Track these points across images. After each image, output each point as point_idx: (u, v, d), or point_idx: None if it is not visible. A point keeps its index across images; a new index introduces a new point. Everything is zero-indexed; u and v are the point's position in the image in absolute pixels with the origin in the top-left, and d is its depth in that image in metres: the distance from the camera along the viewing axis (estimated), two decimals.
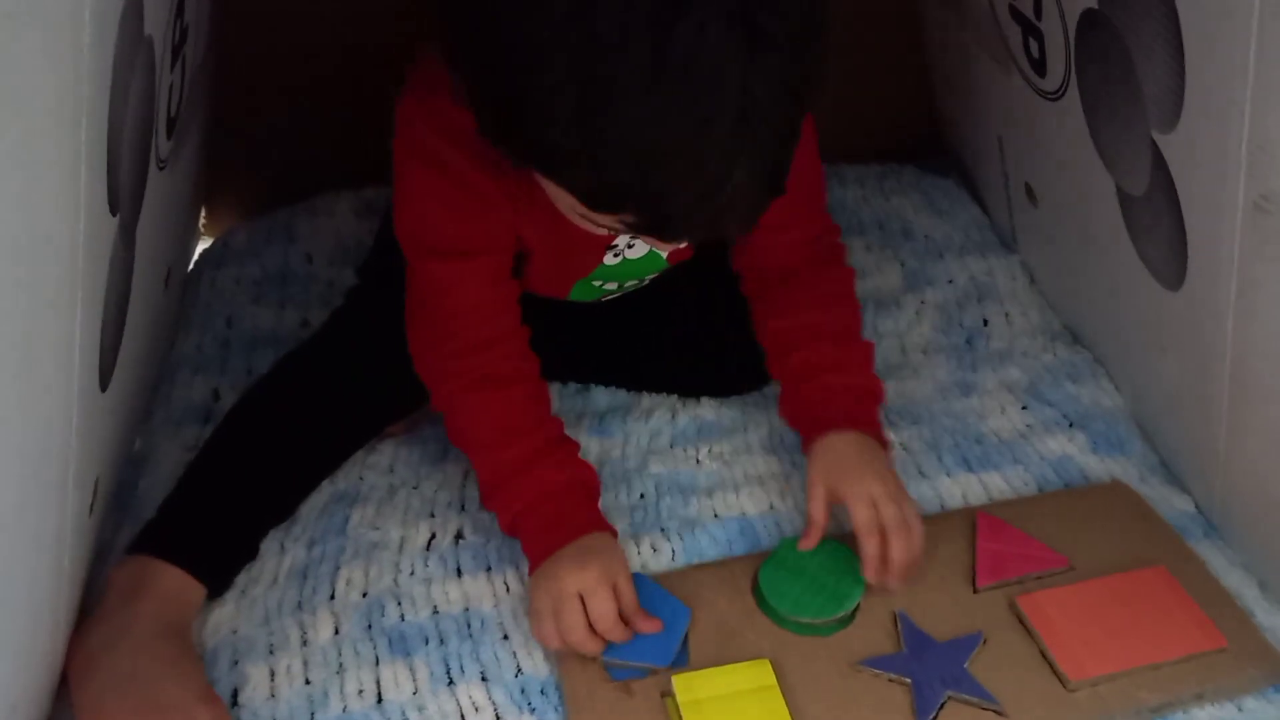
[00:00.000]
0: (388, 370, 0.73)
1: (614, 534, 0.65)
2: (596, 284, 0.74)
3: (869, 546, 0.62)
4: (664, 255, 0.72)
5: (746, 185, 0.51)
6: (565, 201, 0.57)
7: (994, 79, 0.88)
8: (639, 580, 0.63)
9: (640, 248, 0.71)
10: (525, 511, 0.64)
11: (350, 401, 0.74)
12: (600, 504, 0.72)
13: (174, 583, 0.63)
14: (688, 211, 0.52)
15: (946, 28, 0.97)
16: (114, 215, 0.55)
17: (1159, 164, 0.65)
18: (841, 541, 0.65)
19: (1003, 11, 0.81)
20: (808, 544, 0.65)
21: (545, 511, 0.64)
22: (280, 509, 0.71)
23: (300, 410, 0.72)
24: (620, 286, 0.75)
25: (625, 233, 0.57)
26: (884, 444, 0.68)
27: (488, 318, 0.67)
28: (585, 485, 0.67)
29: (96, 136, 0.50)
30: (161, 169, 0.69)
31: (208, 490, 0.68)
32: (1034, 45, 0.78)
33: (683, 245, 0.61)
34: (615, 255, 0.71)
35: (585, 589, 0.60)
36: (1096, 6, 0.67)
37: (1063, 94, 0.76)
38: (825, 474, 0.65)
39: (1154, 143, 0.65)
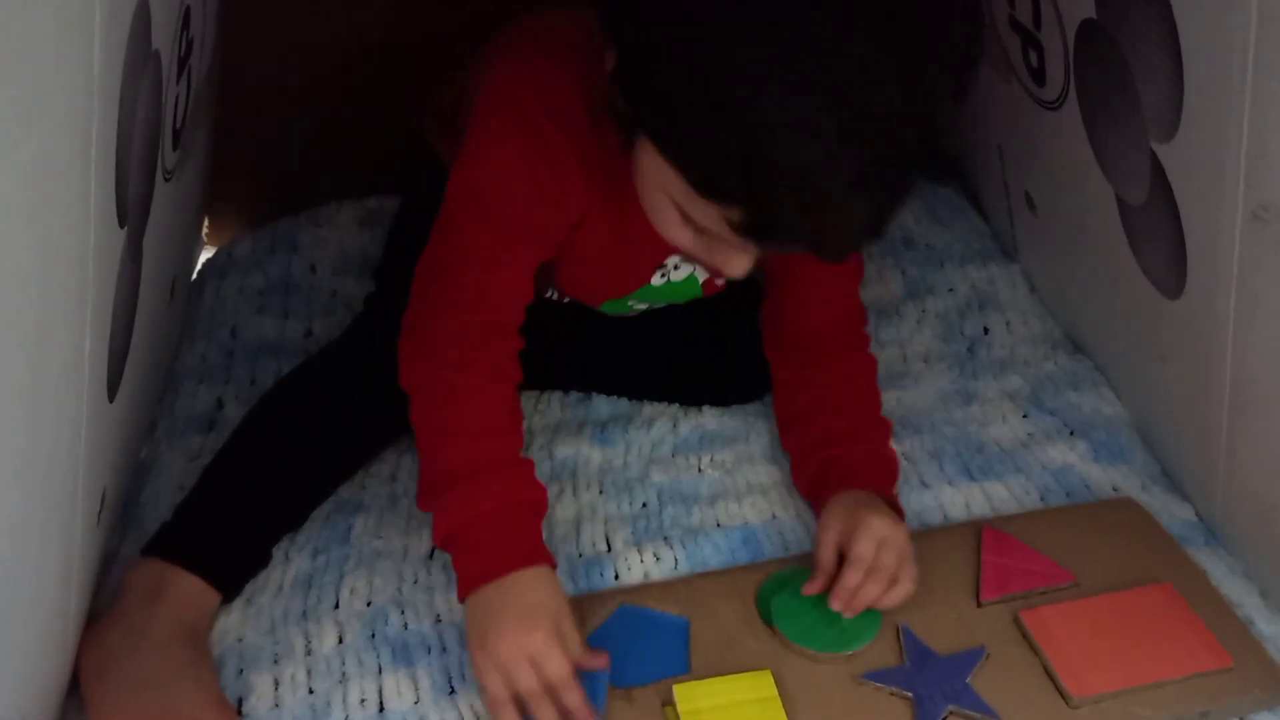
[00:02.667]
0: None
1: (553, 566, 0.61)
2: (631, 302, 0.74)
3: (849, 578, 0.62)
4: (701, 283, 0.73)
5: (858, 215, 0.53)
6: (664, 190, 0.56)
7: (994, 88, 0.88)
8: (627, 612, 0.63)
9: (684, 270, 0.71)
10: (469, 524, 0.61)
11: (369, 410, 0.73)
12: (603, 512, 0.73)
13: (191, 588, 0.63)
14: (793, 221, 0.52)
15: None
16: (122, 227, 0.56)
17: (1158, 173, 0.66)
18: None
19: (1002, 22, 0.81)
20: (812, 589, 0.63)
21: (488, 531, 0.60)
22: (296, 516, 0.71)
23: (319, 418, 0.72)
24: (650, 307, 0.76)
25: (710, 233, 0.57)
26: (900, 513, 0.67)
27: (515, 306, 0.64)
28: (534, 506, 0.63)
29: (105, 150, 0.50)
30: (167, 180, 0.69)
31: (225, 496, 0.69)
32: (1033, 55, 0.78)
33: (740, 272, 0.60)
34: (662, 276, 0.71)
35: (536, 653, 0.56)
36: (1095, 17, 0.68)
37: (1062, 103, 0.77)
38: (839, 518, 0.65)
39: (1153, 152, 0.65)
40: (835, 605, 0.62)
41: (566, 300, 0.78)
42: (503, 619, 0.57)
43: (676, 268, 0.71)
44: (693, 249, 0.59)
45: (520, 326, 0.65)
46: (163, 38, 0.60)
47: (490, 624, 0.58)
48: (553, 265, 0.69)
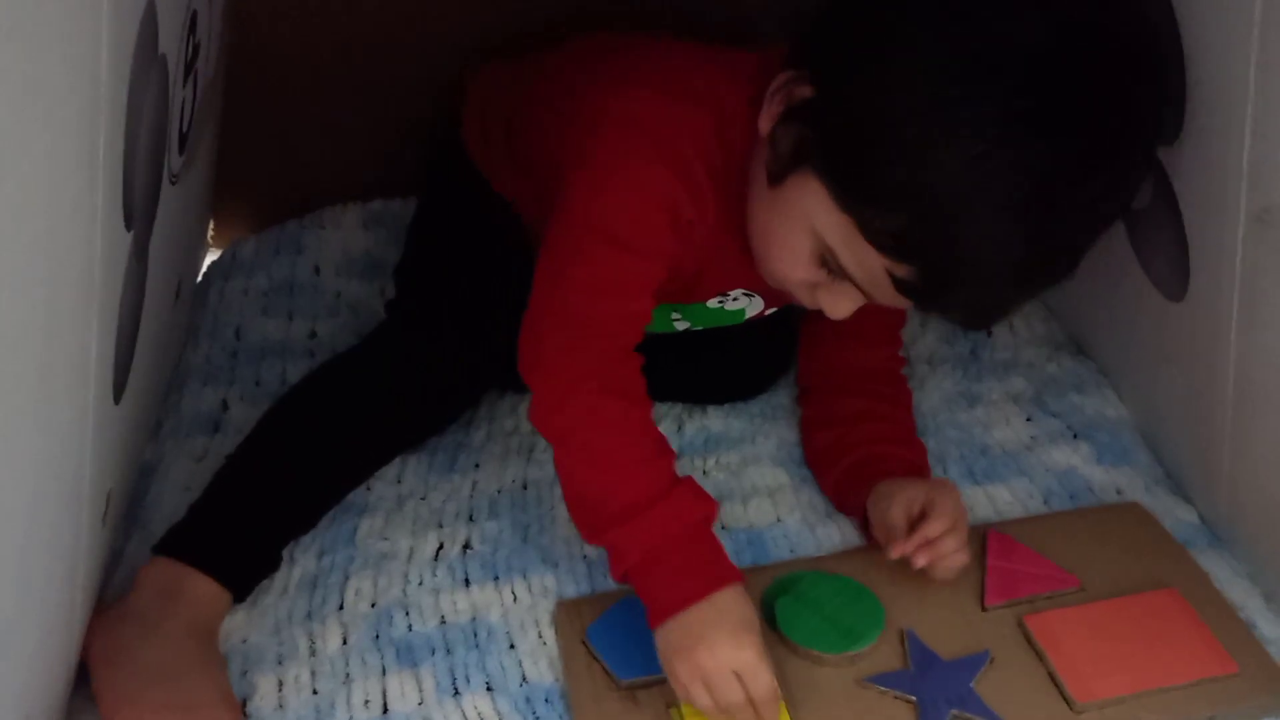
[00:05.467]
0: (425, 383, 0.73)
1: (743, 580, 0.60)
2: (676, 318, 0.74)
3: (932, 528, 0.63)
4: (748, 315, 0.73)
5: (1021, 295, 0.56)
6: (812, 231, 0.58)
7: None
8: (630, 603, 0.62)
9: (742, 302, 0.72)
10: (658, 553, 0.59)
11: (388, 415, 0.73)
12: None
13: (205, 590, 0.63)
14: (962, 293, 0.55)
15: None
16: (128, 230, 0.56)
17: (1161, 177, 0.66)
18: (863, 584, 0.65)
19: None
20: (895, 554, 0.64)
21: (680, 557, 0.59)
22: (309, 520, 0.71)
23: (339, 422, 0.72)
24: (688, 328, 0.76)
25: (840, 276, 0.59)
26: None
27: (638, 328, 0.63)
28: (711, 521, 0.61)
29: (113, 153, 0.50)
30: (173, 183, 0.69)
31: (242, 498, 0.69)
32: None
33: (844, 314, 0.61)
34: (719, 301, 0.72)
35: (745, 667, 0.56)
36: None
37: None
38: (908, 491, 0.66)
39: (1156, 157, 0.65)
40: (920, 560, 0.63)
41: None
42: (713, 636, 0.56)
43: (736, 299, 0.71)
44: (801, 285, 0.61)
45: (639, 340, 0.63)
46: (169, 42, 0.60)
47: (698, 641, 0.57)
48: None
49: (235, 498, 0.68)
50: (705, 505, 0.61)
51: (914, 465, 0.71)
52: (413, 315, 0.76)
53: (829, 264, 0.59)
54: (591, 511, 0.61)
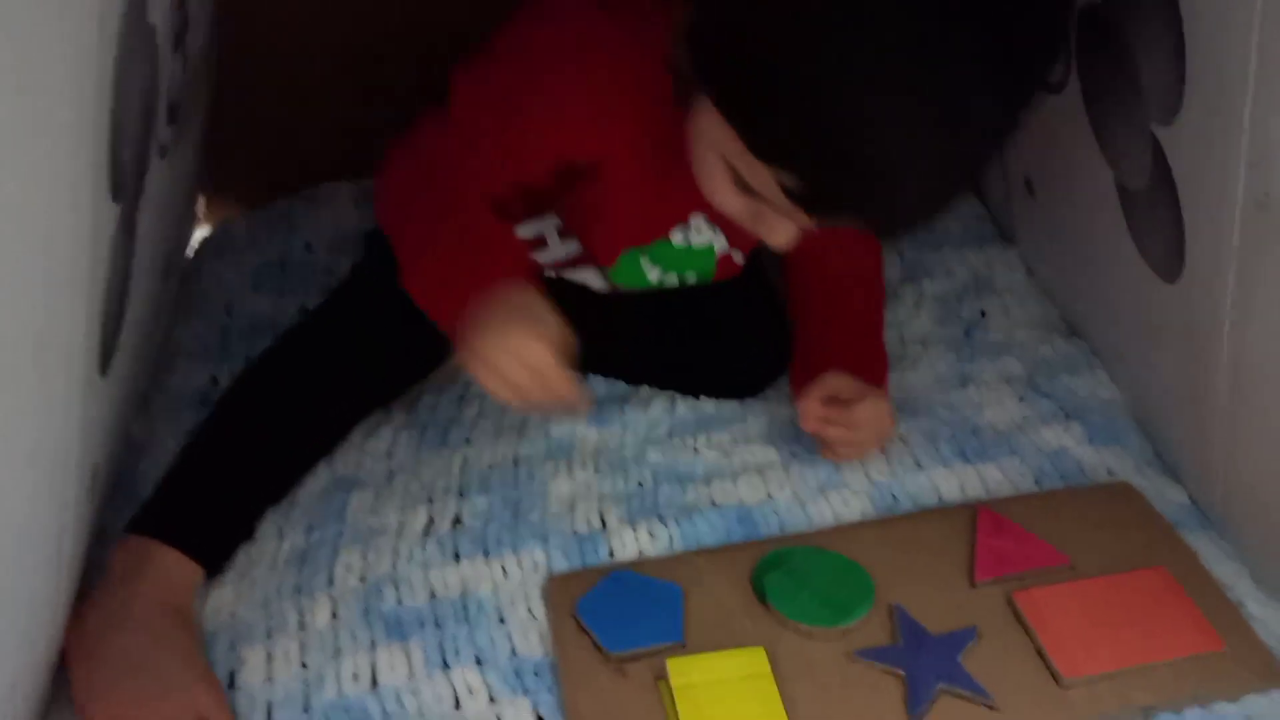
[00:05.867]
0: (387, 350, 0.73)
1: (534, 286, 0.61)
2: (645, 263, 0.73)
3: (841, 424, 0.70)
4: (718, 258, 0.73)
5: (920, 200, 0.54)
6: (718, 151, 0.56)
7: None
8: (620, 577, 0.64)
9: (705, 236, 0.71)
10: (451, 274, 0.62)
11: (347, 381, 0.74)
12: (598, 490, 0.73)
13: (172, 563, 0.63)
14: (852, 197, 0.53)
15: None
16: (116, 202, 0.55)
17: (1159, 158, 0.65)
18: (853, 559, 0.65)
19: None
20: (803, 409, 0.70)
21: (464, 266, 0.62)
22: (277, 489, 0.71)
23: (297, 390, 0.72)
24: (661, 281, 0.75)
25: (761, 199, 0.57)
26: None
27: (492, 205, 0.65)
28: (514, 250, 0.65)
29: (100, 124, 0.50)
30: (162, 156, 0.69)
31: (204, 470, 0.69)
32: None
33: (784, 241, 0.60)
34: (683, 236, 0.71)
35: (514, 347, 0.58)
36: (1098, 1, 0.67)
37: (1063, 87, 0.76)
38: (848, 381, 0.71)
39: (1154, 137, 0.65)
40: (807, 425, 0.70)
41: (567, 276, 0.78)
42: (485, 325, 0.59)
43: (700, 231, 0.71)
44: (739, 213, 0.60)
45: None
46: (158, 12, 0.59)
47: (476, 334, 0.59)
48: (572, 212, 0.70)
49: (200, 469, 0.68)
50: (507, 238, 0.65)
51: (871, 364, 0.75)
52: (367, 283, 0.76)
53: (746, 187, 0.57)
54: (399, 254, 0.64)
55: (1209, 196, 0.62)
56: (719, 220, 0.70)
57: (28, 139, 0.42)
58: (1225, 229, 0.60)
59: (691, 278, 0.76)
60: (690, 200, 0.64)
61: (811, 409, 0.69)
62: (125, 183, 0.57)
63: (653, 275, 0.75)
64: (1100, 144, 0.73)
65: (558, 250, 0.76)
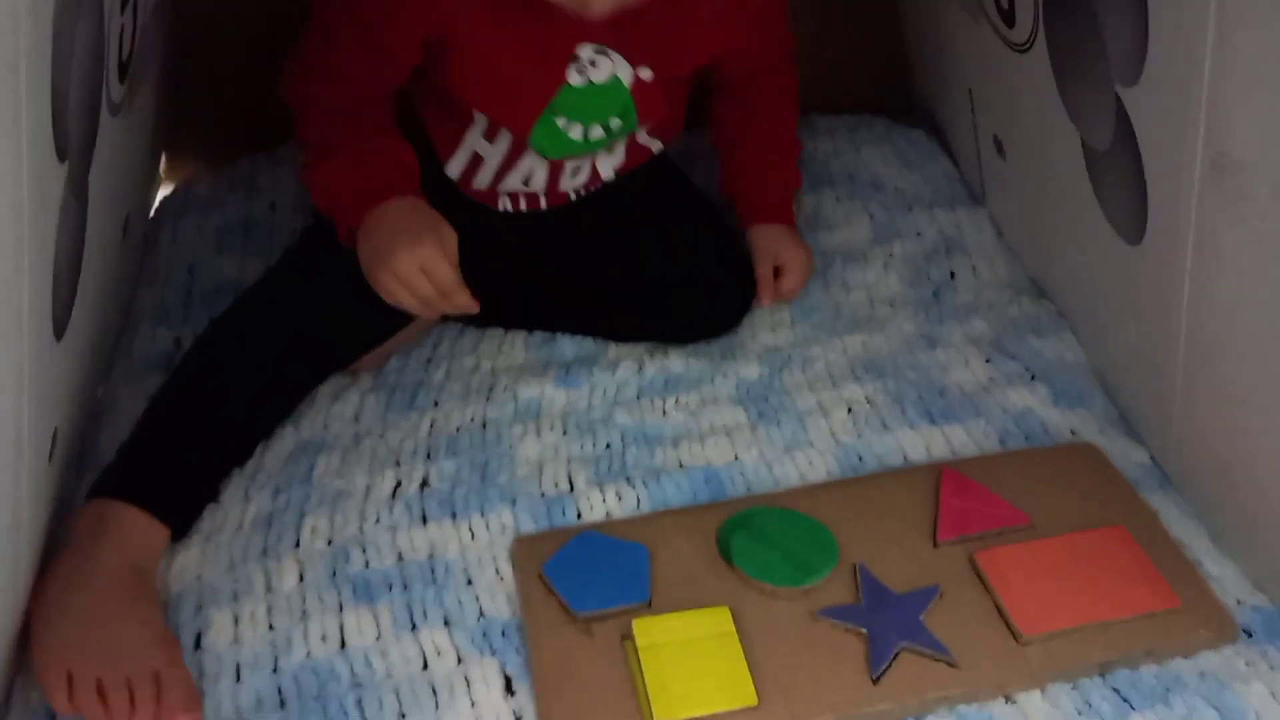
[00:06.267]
0: (344, 307, 0.73)
1: (411, 193, 0.69)
2: (561, 123, 0.73)
3: (767, 276, 0.84)
4: (628, 86, 0.72)
5: None
6: None
7: (964, 29, 0.87)
8: (588, 538, 0.64)
9: (604, 69, 0.71)
10: (343, 181, 0.69)
11: (307, 339, 0.74)
12: (565, 453, 0.73)
13: (135, 524, 0.63)
14: None
15: None
16: (62, 162, 0.54)
17: (1122, 118, 0.65)
18: (817, 519, 0.66)
19: None
20: (765, 302, 0.84)
21: (358, 179, 0.68)
22: (240, 449, 0.71)
23: (256, 349, 0.72)
24: (585, 138, 0.74)
25: None
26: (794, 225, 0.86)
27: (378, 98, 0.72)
28: (399, 157, 0.70)
29: (38, 82, 0.48)
30: (114, 114, 0.67)
31: (166, 431, 0.68)
32: None
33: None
34: (580, 75, 0.71)
35: (426, 261, 0.65)
36: None
37: (1031, 45, 0.76)
38: (770, 248, 0.84)
39: (1117, 96, 0.65)
40: (766, 302, 0.84)
41: (514, 188, 0.78)
42: (394, 240, 0.66)
43: (595, 64, 0.71)
44: None
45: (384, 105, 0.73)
46: None
47: (383, 246, 0.66)
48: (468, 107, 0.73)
49: (160, 431, 0.68)
50: (398, 150, 0.70)
51: (776, 204, 0.86)
52: (320, 240, 0.76)
53: None
54: (305, 162, 0.71)
55: (1169, 157, 0.62)
56: (607, 38, 0.70)
57: None
58: (1185, 190, 0.61)
59: (617, 124, 0.74)
60: (565, 34, 0.68)
61: (767, 293, 0.83)
62: (73, 143, 0.56)
63: (574, 133, 0.74)
64: (1065, 104, 0.73)
65: (493, 156, 0.77)
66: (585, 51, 0.70)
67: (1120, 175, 0.68)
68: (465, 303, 0.68)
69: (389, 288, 0.66)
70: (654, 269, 0.82)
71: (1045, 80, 0.74)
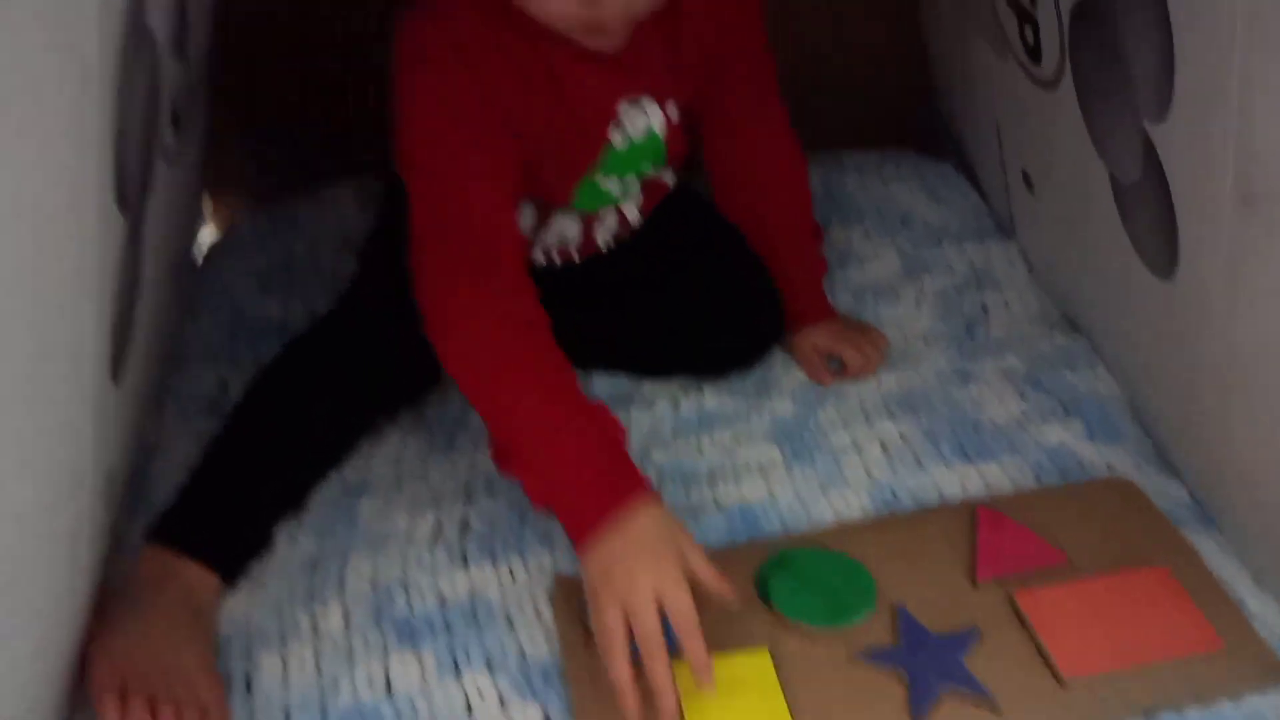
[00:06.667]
0: (394, 354, 0.74)
1: (658, 496, 0.60)
2: (601, 181, 0.74)
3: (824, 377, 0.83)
4: (661, 134, 0.73)
5: None
6: None
7: (991, 65, 0.88)
8: None
9: (641, 123, 0.72)
10: (564, 480, 0.60)
11: (359, 386, 0.75)
12: None
13: (195, 576, 0.65)
14: None
15: (944, 13, 0.97)
16: (122, 209, 0.56)
17: (1150, 154, 0.66)
18: (855, 559, 0.66)
19: None
20: (828, 382, 0.82)
21: (585, 479, 0.59)
22: (294, 497, 0.72)
23: (309, 397, 0.73)
24: (624, 189, 0.75)
25: None
26: (834, 313, 0.86)
27: (499, 226, 0.64)
28: (619, 441, 0.62)
29: (103, 133, 0.50)
30: (168, 162, 0.69)
31: (224, 481, 0.70)
32: (1029, 32, 0.78)
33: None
34: (622, 136, 0.71)
35: (665, 592, 0.56)
36: None
37: (1058, 81, 0.76)
38: (814, 358, 0.84)
39: (1145, 132, 0.65)
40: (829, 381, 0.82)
41: (559, 264, 0.79)
42: (630, 559, 0.56)
43: (633, 120, 0.72)
44: (573, 6, 0.61)
45: (519, 256, 0.66)
46: (158, 17, 0.60)
47: (616, 565, 0.57)
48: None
49: (220, 480, 0.69)
50: (610, 429, 0.62)
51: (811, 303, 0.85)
52: (368, 284, 0.77)
53: None
54: (499, 443, 0.63)
55: (1199, 191, 0.62)
56: (637, 85, 0.71)
57: (30, 150, 0.43)
58: (1215, 225, 0.61)
59: (648, 168, 0.76)
60: (605, 95, 0.67)
61: (824, 376, 0.83)
62: (131, 190, 0.57)
63: (612, 187, 0.75)
64: (1093, 139, 0.73)
65: (526, 219, 0.76)
66: (624, 108, 0.71)
67: (1150, 209, 0.68)
68: (696, 654, 0.56)
69: (604, 607, 0.57)
70: (681, 302, 0.83)
71: (1072, 116, 0.75)
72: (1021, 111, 0.86)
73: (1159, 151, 0.65)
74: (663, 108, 0.73)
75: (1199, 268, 0.64)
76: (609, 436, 0.62)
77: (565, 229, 0.77)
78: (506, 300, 0.63)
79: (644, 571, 0.56)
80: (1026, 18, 0.78)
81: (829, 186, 1.00)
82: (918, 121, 1.10)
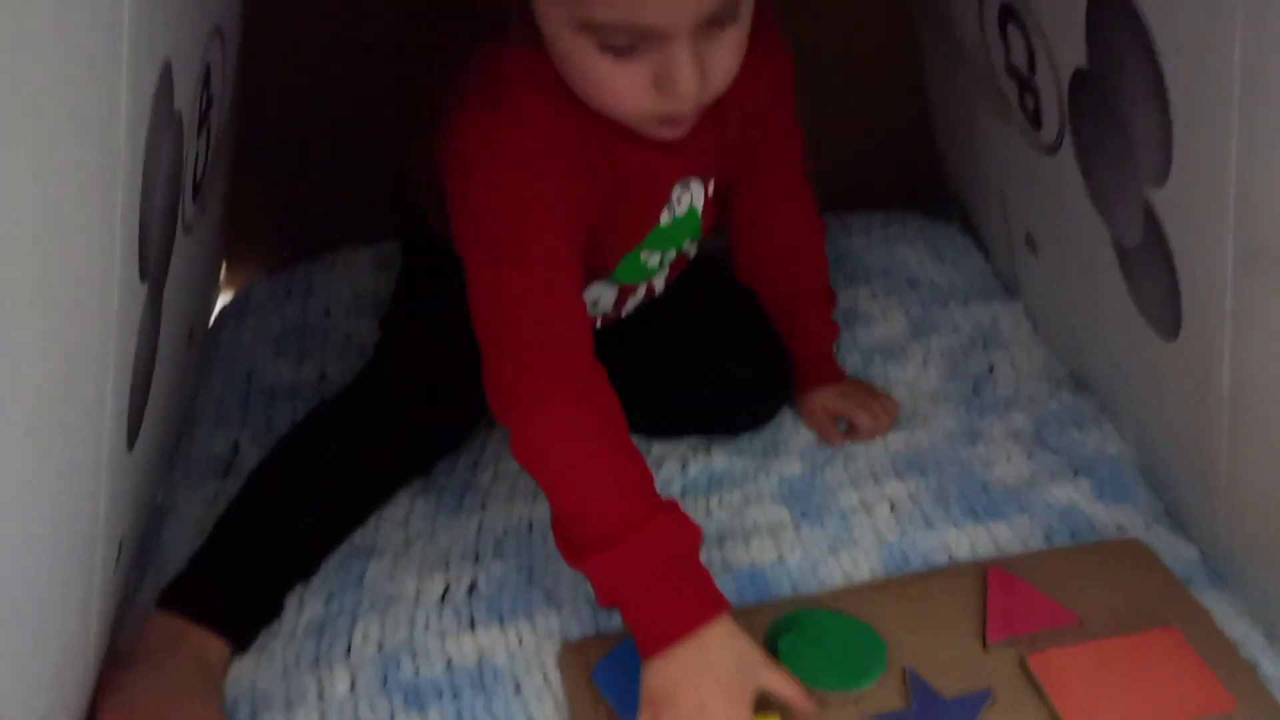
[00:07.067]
0: (417, 426, 0.74)
1: (731, 611, 0.59)
2: (644, 257, 0.74)
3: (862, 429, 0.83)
4: (699, 210, 0.74)
5: None
6: (574, 26, 0.57)
7: (994, 130, 0.90)
8: (629, 645, 0.62)
9: (685, 203, 0.73)
10: (637, 584, 0.58)
11: (380, 458, 0.75)
12: None
13: (205, 641, 0.65)
14: None
15: (947, 80, 0.99)
16: (143, 281, 0.57)
17: (1151, 218, 0.67)
18: (865, 621, 0.66)
19: (999, 67, 0.83)
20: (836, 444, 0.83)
21: (659, 588, 0.58)
22: (308, 566, 0.72)
23: (329, 467, 0.73)
24: (661, 262, 0.76)
25: (635, 46, 0.58)
26: (843, 376, 0.87)
27: (579, 323, 0.63)
28: (696, 549, 0.61)
29: (129, 209, 0.52)
30: (187, 232, 0.71)
31: (237, 549, 0.70)
32: (1029, 100, 0.80)
33: (690, 75, 0.58)
34: (669, 213, 0.72)
35: None
36: (1086, 66, 0.69)
37: (1059, 147, 0.78)
38: (823, 420, 0.84)
39: (1146, 197, 0.67)
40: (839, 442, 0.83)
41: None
42: (703, 689, 0.56)
43: (678, 200, 0.72)
44: (642, 91, 0.59)
45: (590, 340, 0.64)
46: (184, 97, 0.62)
47: (684, 691, 0.56)
48: None
49: (233, 548, 0.70)
50: (688, 532, 0.61)
51: (822, 364, 0.86)
52: (392, 356, 0.78)
53: (613, 45, 0.58)
54: (570, 536, 0.61)
55: (1201, 254, 0.63)
56: (689, 167, 0.71)
57: (59, 228, 0.44)
58: (1218, 286, 0.61)
59: (685, 242, 0.77)
60: (662, 180, 0.67)
61: (834, 438, 0.83)
62: (152, 262, 0.59)
63: (652, 261, 0.76)
64: (1095, 204, 0.75)
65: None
66: (676, 190, 0.72)
67: (1152, 272, 0.69)
68: None
69: None
70: (691, 363, 0.83)
71: (1074, 181, 0.76)
72: (1024, 176, 0.87)
73: (1160, 216, 0.66)
74: (705, 186, 0.74)
75: (1202, 329, 0.65)
76: (686, 543, 0.60)
77: (600, 298, 0.78)
78: (582, 389, 0.62)
79: (716, 708, 0.56)
80: (1026, 86, 0.80)
81: (835, 248, 1.01)
82: (922, 184, 1.11)
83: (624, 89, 0.60)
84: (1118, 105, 0.67)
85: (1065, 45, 0.71)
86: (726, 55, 0.61)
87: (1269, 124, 0.55)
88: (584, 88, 0.62)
